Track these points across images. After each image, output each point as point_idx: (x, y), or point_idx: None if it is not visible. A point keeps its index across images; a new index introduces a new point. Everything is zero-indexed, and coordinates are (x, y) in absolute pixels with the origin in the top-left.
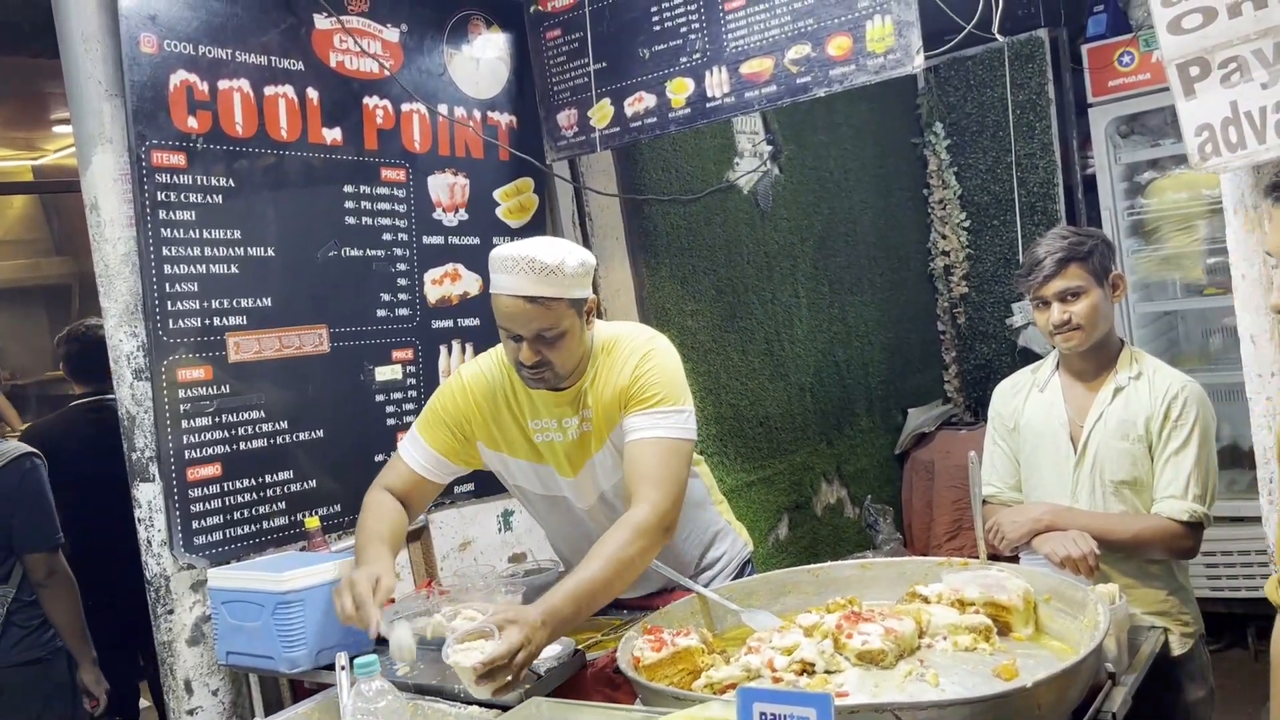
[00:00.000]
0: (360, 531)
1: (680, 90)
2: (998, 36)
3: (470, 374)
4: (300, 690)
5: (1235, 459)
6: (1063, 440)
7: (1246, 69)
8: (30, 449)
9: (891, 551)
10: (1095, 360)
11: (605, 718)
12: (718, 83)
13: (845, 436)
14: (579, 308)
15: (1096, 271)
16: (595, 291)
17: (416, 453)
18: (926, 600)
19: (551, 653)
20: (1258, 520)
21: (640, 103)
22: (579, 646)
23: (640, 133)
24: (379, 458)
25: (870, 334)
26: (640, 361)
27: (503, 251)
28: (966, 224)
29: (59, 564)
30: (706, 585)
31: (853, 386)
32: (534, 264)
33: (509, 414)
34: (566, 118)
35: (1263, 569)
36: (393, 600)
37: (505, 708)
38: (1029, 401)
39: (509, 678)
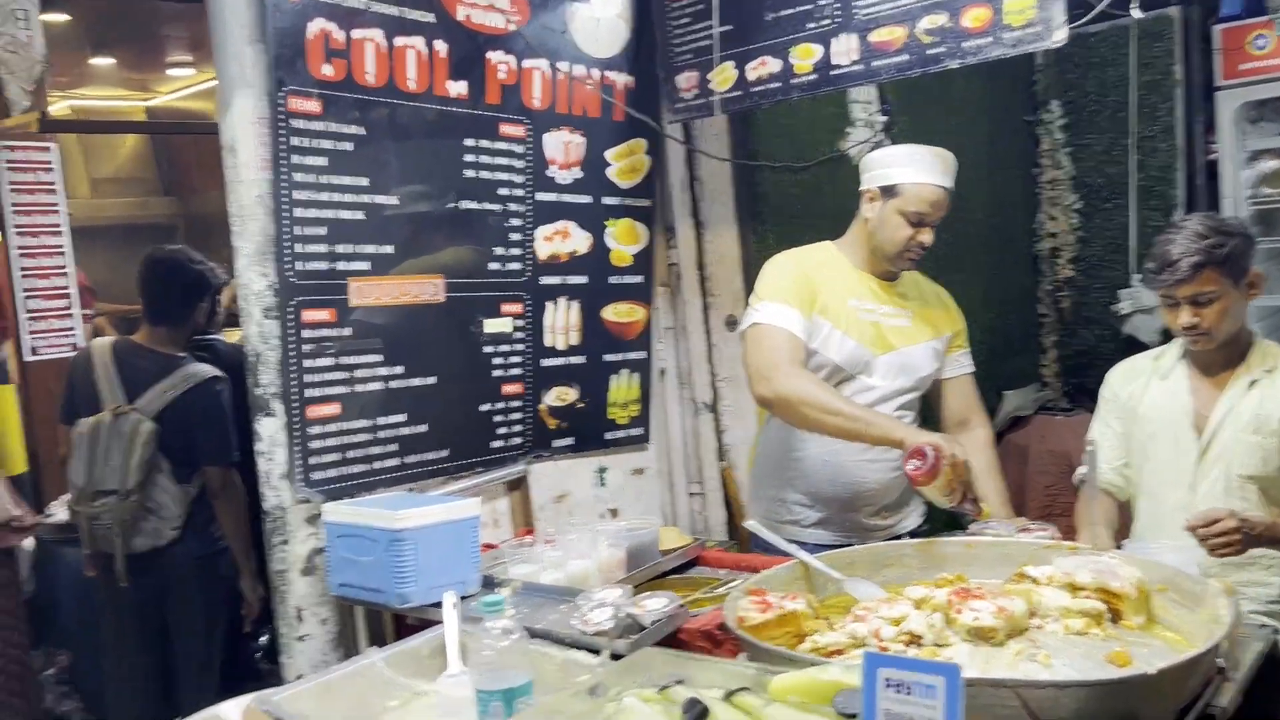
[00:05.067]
0: (846, 404)
1: (806, 56)
2: (1134, 13)
3: (796, 253)
4: (403, 626)
5: None
6: (1185, 431)
7: None
8: (219, 373)
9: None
10: (1224, 354)
11: (718, 670)
12: (845, 50)
13: None
14: None
15: (1233, 273)
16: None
17: (793, 319)
18: (1036, 582)
19: (658, 605)
20: None
21: (764, 67)
22: (683, 603)
23: (761, 98)
24: (484, 407)
25: (971, 313)
26: (954, 304)
27: (918, 149)
28: (1078, 206)
29: (233, 479)
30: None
31: None
32: (949, 159)
33: (837, 287)
34: (686, 80)
35: None
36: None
37: (616, 657)
38: (1149, 388)
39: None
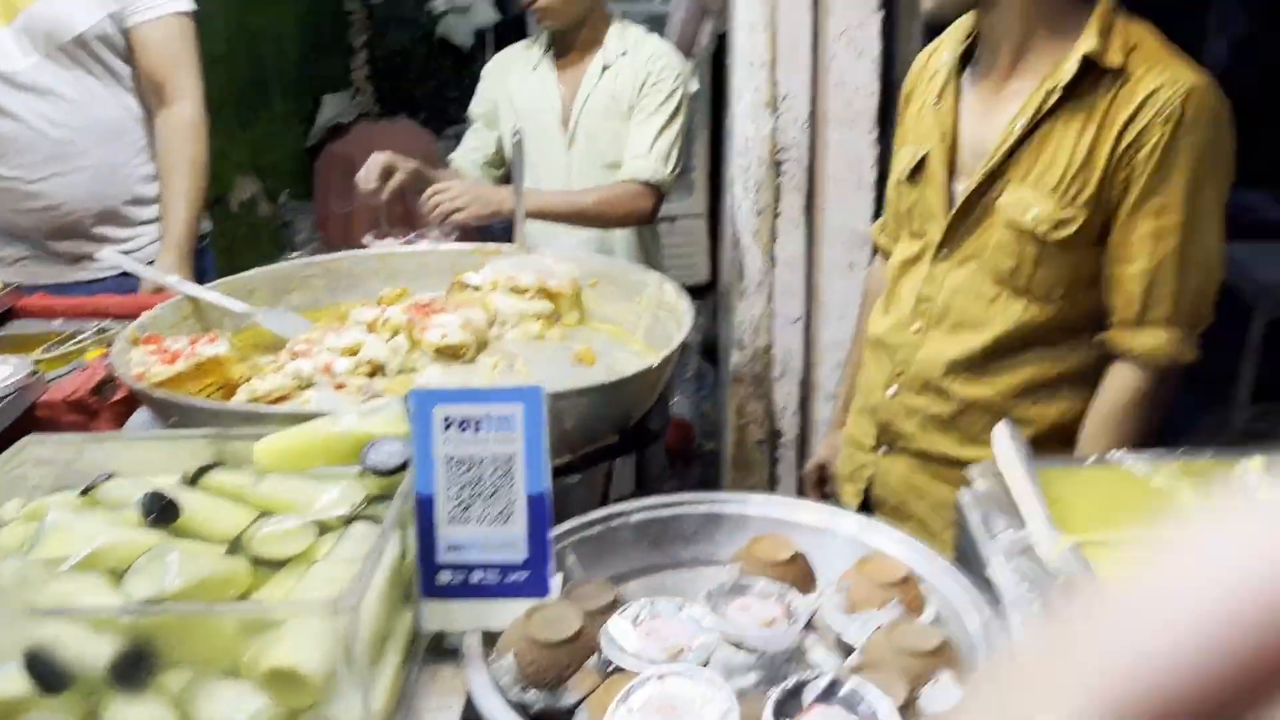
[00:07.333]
0: None
1: None
2: None
3: None
4: None
5: None
6: (553, 123)
7: None
8: None
9: (312, 252)
10: (580, 37)
11: (152, 449)
12: None
13: (261, 122)
14: None
15: None
16: None
17: None
18: (476, 289)
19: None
20: None
21: None
22: (34, 367)
23: None
24: None
25: (274, 6)
26: None
27: None
28: None
29: None
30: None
31: (267, 62)
32: None
33: None
34: None
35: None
36: None
37: None
38: (525, 82)
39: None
